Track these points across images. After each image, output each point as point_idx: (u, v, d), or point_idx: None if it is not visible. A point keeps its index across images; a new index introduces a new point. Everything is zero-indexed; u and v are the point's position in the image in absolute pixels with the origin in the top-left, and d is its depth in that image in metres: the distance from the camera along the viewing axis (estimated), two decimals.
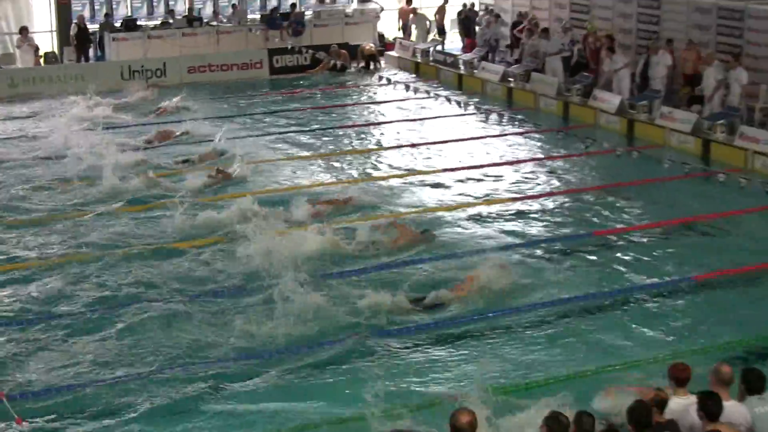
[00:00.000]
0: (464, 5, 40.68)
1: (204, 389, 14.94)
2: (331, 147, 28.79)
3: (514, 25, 37.11)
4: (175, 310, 17.62)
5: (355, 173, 26.15)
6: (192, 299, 18.12)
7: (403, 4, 42.12)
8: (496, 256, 19.18)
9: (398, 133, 30.54)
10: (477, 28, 38.91)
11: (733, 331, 16.55)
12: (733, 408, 11.02)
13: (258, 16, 41.25)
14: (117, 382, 15.23)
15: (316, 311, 17.14)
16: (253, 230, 20.24)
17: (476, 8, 40.55)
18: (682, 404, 11.26)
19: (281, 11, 41.39)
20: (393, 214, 22.48)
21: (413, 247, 20.49)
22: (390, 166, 26.83)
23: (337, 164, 26.94)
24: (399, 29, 42.08)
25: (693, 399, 11.17)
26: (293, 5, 41.40)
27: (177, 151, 28.24)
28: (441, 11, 41.13)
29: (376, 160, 27.48)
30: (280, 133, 30.27)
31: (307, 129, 30.73)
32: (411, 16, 41.56)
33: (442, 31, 41.10)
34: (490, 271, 18.29)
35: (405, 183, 25.14)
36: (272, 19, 39.93)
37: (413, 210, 22.90)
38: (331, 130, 30.64)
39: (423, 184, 25.14)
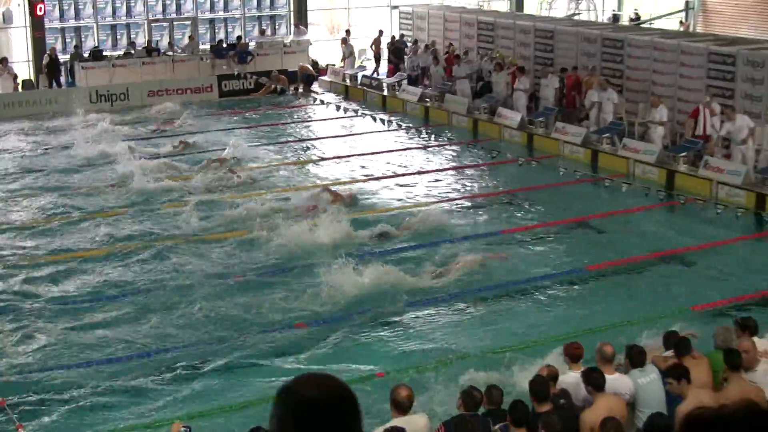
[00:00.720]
0: (392, 37, 40.80)
1: (271, 347, 15.77)
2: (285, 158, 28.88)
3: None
4: (234, 286, 18.35)
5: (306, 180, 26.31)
6: (244, 277, 18.77)
7: (344, 35, 42.13)
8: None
9: (339, 145, 30.67)
10: (406, 57, 38.98)
11: (621, 312, 16.89)
12: (617, 380, 11.22)
13: (208, 47, 41.12)
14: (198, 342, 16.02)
15: (354, 286, 17.84)
16: (284, 222, 21.07)
17: (404, 39, 40.57)
18: (576, 377, 11.40)
19: (228, 42, 41.37)
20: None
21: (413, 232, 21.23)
22: (330, 174, 27.01)
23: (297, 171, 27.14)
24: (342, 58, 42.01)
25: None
26: (239, 37, 41.37)
27: (192, 159, 28.54)
28: (376, 42, 41.15)
29: (316, 170, 27.60)
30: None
31: (258, 144, 30.43)
32: (342, 45, 41.70)
33: (378, 59, 41.03)
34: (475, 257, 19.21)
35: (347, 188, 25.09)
36: (219, 50, 39.84)
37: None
38: (276, 145, 30.52)
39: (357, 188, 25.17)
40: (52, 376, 14.86)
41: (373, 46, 41.14)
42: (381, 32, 41.43)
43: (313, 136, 32.33)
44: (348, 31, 41.96)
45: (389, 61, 40.08)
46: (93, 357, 15.58)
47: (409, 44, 39.58)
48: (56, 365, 15.26)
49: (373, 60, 41.29)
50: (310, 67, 40.79)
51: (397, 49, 39.63)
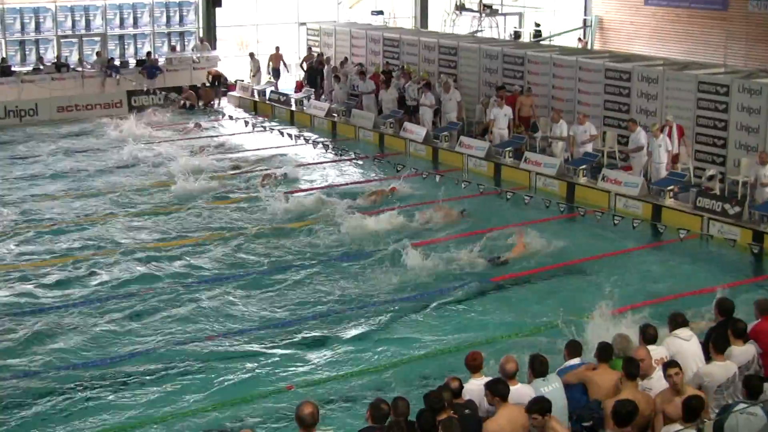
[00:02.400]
0: (320, 55, 40.25)
1: (378, 322, 17.20)
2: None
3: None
4: (315, 270, 19.94)
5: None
6: (329, 261, 20.45)
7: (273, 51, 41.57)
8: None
9: (249, 159, 30.42)
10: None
11: (524, 321, 17.02)
12: (520, 390, 11.19)
13: (118, 62, 40.56)
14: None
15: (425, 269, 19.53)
16: (341, 215, 23.11)
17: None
18: (478, 385, 11.36)
19: (138, 58, 40.97)
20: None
21: (456, 223, 23.02)
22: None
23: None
24: (269, 72, 41.50)
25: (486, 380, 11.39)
26: (148, 53, 40.93)
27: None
28: (307, 59, 40.69)
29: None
30: None
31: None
32: (250, 60, 41.44)
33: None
34: (530, 240, 20.99)
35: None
36: (111, 67, 39.29)
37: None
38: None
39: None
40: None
41: (304, 63, 40.74)
42: (310, 48, 41.15)
43: (224, 151, 31.94)
44: (278, 48, 41.32)
45: (306, 79, 39.76)
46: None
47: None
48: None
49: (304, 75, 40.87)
50: (218, 70, 40.82)
51: (312, 68, 39.16)
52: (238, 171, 28.83)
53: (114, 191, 26.50)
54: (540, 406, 10.55)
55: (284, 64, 41.10)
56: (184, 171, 27.49)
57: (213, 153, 31.14)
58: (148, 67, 39.37)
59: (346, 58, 38.39)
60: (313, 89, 38.20)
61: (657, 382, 11.56)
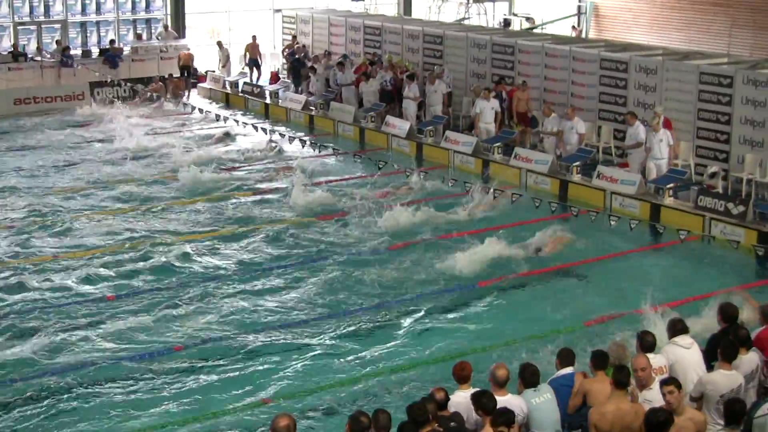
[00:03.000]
0: (303, 46, 40.28)
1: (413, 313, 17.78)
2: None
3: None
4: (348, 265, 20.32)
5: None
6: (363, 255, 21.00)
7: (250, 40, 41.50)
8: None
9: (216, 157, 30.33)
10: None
11: (513, 330, 17.00)
12: (510, 401, 11.19)
13: (80, 52, 40.47)
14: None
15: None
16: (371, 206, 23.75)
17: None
18: (465, 397, 11.36)
19: (101, 47, 40.89)
20: None
21: (486, 212, 23.79)
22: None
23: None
24: (245, 63, 41.54)
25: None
26: (112, 41, 40.85)
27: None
28: (289, 47, 40.62)
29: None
30: None
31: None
32: (218, 49, 41.42)
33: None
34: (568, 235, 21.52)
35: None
36: (65, 56, 39.16)
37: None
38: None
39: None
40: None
41: (284, 51, 40.66)
42: (294, 37, 41.10)
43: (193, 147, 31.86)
44: (254, 37, 41.22)
45: (289, 71, 39.71)
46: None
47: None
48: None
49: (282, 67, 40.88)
50: (190, 54, 41.03)
51: (297, 60, 39.10)
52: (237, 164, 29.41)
53: (121, 184, 26.94)
54: (506, 418, 10.57)
55: (259, 54, 41.07)
56: (190, 163, 28.38)
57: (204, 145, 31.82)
58: (110, 56, 39.26)
59: (326, 51, 38.31)
60: (296, 82, 38.07)
61: (657, 393, 11.54)
